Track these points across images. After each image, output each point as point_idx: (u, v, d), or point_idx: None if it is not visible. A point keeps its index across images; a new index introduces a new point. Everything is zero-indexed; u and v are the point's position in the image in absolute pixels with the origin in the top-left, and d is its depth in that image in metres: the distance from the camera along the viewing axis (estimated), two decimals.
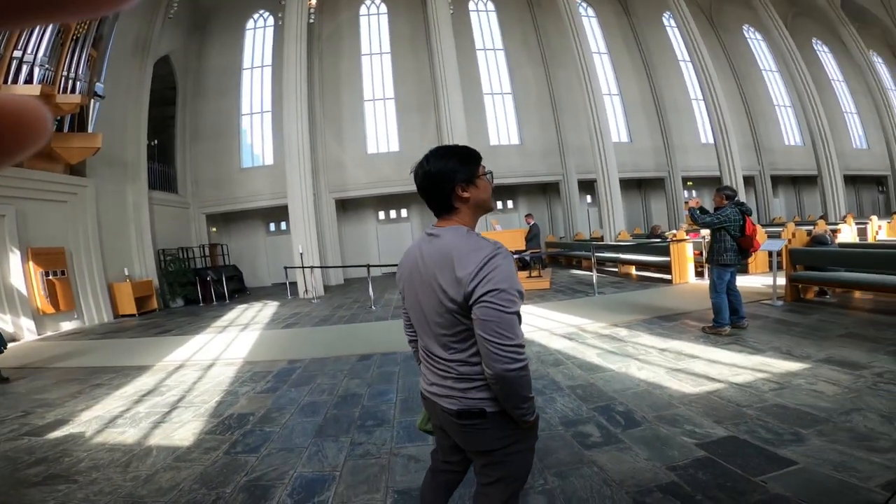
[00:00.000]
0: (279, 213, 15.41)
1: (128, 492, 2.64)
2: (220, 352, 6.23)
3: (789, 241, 6.62)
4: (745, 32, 21.48)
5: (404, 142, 16.26)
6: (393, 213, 17.38)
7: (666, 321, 5.89)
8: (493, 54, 18.07)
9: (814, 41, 22.08)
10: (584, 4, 19.32)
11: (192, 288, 12.69)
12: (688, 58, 16.95)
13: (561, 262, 14.92)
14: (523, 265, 11.00)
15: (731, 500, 2.09)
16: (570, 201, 17.20)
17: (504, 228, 12.60)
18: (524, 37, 18.27)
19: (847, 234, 9.05)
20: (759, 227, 5.29)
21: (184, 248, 14.11)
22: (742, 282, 6.81)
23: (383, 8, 17.45)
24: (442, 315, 1.32)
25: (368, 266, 9.66)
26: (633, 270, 10.84)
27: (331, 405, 3.88)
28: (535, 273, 10.41)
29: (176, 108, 15.77)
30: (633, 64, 19.33)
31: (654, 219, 19.20)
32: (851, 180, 20.55)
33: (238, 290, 14.40)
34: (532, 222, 11.05)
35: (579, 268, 13.22)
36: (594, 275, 8.88)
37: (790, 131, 20.98)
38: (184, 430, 3.55)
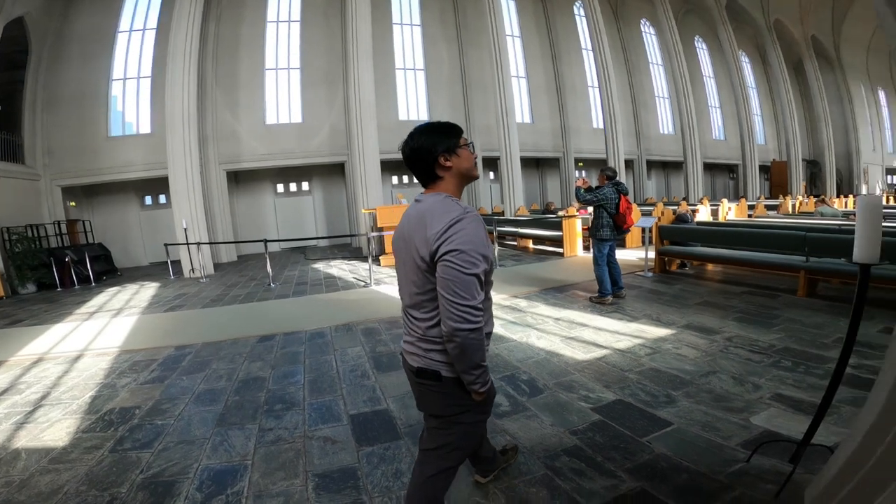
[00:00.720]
0: (157, 185, 13.82)
1: (3, 498, 2.27)
2: (89, 341, 5.42)
3: (659, 218, 7.45)
4: (641, 26, 23.36)
5: (309, 114, 15.30)
6: (293, 186, 16.41)
7: (559, 292, 6.35)
8: (409, 29, 17.65)
9: (696, 38, 24.72)
10: None
11: (47, 270, 10.81)
12: (590, 47, 18.04)
13: None
14: None
15: (625, 460, 2.30)
16: None
17: (410, 202, 12.56)
18: (442, 14, 18.08)
19: (703, 214, 10.50)
20: (634, 205, 5.81)
21: (33, 225, 11.94)
22: (621, 255, 7.55)
23: None
24: (416, 273, 1.40)
25: (266, 241, 9.04)
26: (530, 244, 11.50)
27: (231, 391, 3.60)
28: None
29: (26, 73, 13.13)
30: (542, 49, 20.15)
31: (549, 196, 20.53)
32: (709, 167, 23.71)
33: (107, 271, 12.59)
34: (410, 196, 11.17)
35: None
36: (496, 248, 9.24)
37: (665, 121, 23.53)
38: (55, 430, 3.08)
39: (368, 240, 8.44)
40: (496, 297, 6.25)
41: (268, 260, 8.97)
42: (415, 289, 1.43)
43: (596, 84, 18.71)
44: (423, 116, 17.33)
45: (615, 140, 16.99)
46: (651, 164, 22.99)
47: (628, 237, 9.96)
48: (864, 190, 26.49)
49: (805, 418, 2.44)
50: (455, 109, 17.70)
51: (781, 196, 19.09)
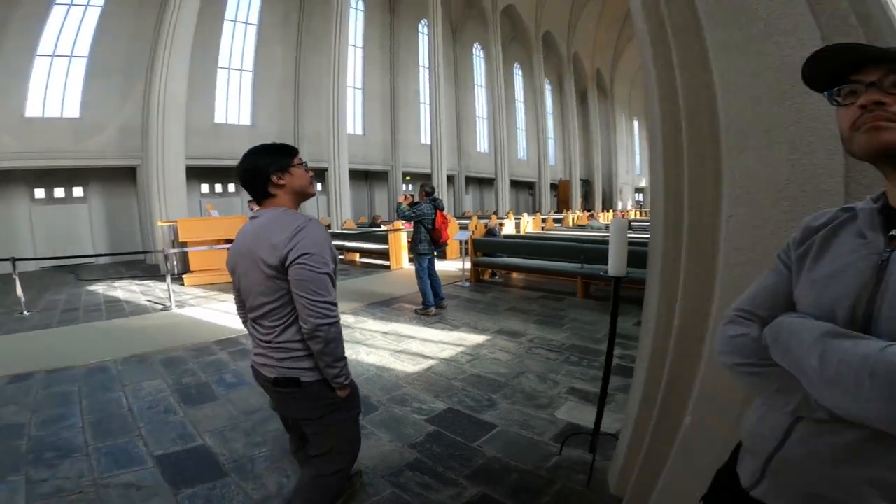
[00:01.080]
0: None
1: None
2: None
3: (473, 232, 8.22)
4: (473, 49, 25.49)
5: (91, 108, 12.38)
6: (60, 192, 13.03)
7: (386, 306, 6.45)
8: (243, 28, 15.95)
9: (515, 65, 28.04)
10: None
11: None
12: (427, 64, 18.90)
13: None
14: None
15: (463, 467, 2.40)
16: None
17: (222, 214, 11.24)
18: (286, 15, 16.85)
19: (509, 227, 11.99)
20: (452, 220, 6.25)
21: None
22: (441, 266, 8.02)
23: None
24: (263, 283, 1.46)
25: (13, 260, 6.98)
26: (357, 258, 11.44)
27: None
28: None
29: None
30: (382, 61, 20.39)
31: (377, 209, 20.81)
32: (515, 184, 27.26)
33: None
34: (256, 208, 10.27)
35: None
36: None
37: (482, 140, 26.18)
38: None
39: (165, 256, 7.24)
40: None
41: (17, 282, 6.90)
42: (264, 299, 1.49)
43: (427, 100, 19.78)
44: (245, 121, 15.85)
45: (440, 156, 18.21)
46: (469, 180, 25.33)
47: (449, 249, 10.70)
48: (619, 206, 33.78)
49: (594, 409, 2.90)
50: (283, 115, 16.69)
51: (565, 210, 23.09)
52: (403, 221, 6.12)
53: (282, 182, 1.53)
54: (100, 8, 12.70)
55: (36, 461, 2.56)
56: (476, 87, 26.07)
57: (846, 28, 1.14)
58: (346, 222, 13.98)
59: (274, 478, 2.39)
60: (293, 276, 1.40)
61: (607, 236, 7.51)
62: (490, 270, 8.23)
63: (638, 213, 25.12)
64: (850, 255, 0.71)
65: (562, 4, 26.54)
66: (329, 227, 14.43)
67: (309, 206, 17.12)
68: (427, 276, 5.84)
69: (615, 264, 1.86)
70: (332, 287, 1.46)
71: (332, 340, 1.44)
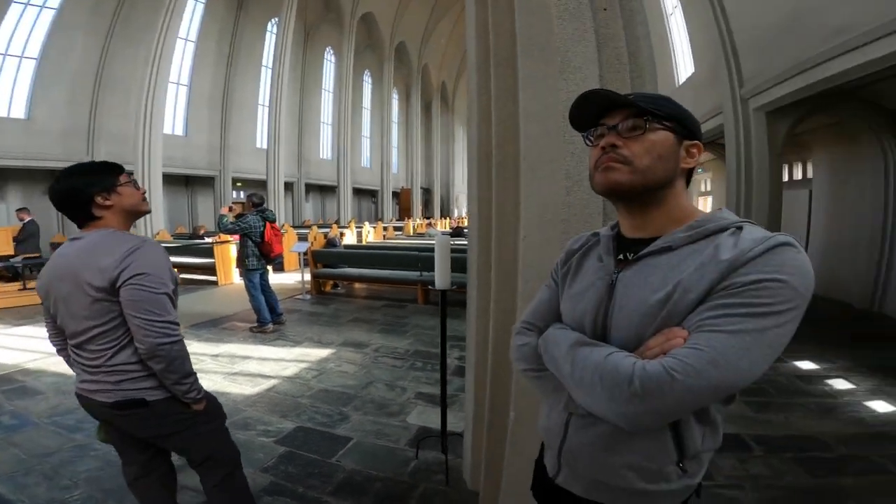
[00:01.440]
0: None
1: None
2: None
3: (313, 243, 7.94)
4: (325, 53, 24.21)
5: None
6: None
7: (215, 325, 5.80)
8: (33, 10, 12.59)
9: (366, 72, 27.51)
10: None
11: None
12: (271, 64, 17.43)
13: None
14: (14, 275, 8.00)
15: (325, 485, 2.33)
16: None
17: None
18: (98, 1, 13.64)
19: (349, 237, 11.86)
20: (282, 233, 5.84)
21: None
22: (279, 279, 7.57)
23: None
24: (89, 307, 1.37)
25: None
26: (176, 273, 9.99)
27: None
28: (32, 284, 7.75)
29: None
30: (218, 59, 18.21)
31: (200, 218, 18.41)
32: (358, 192, 27.07)
33: None
34: (27, 219, 8.22)
35: None
36: None
37: (325, 146, 25.31)
38: None
39: None
40: None
41: None
42: (92, 322, 1.40)
43: (267, 102, 18.37)
44: (19, 114, 12.48)
45: (276, 161, 17.08)
46: (310, 188, 24.25)
47: (287, 261, 10.11)
48: (455, 213, 36.22)
49: (435, 409, 3.04)
50: (74, 109, 13.61)
51: (406, 218, 23.88)
52: (227, 234, 5.57)
53: (108, 203, 1.45)
54: None
55: None
56: (323, 91, 25.20)
57: (619, 66, 1.37)
58: (158, 233, 12.08)
59: None
60: (126, 297, 1.35)
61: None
62: (332, 282, 8.04)
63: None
64: (592, 275, 0.83)
65: (419, 16, 27.29)
66: None
67: None
68: (260, 291, 5.43)
69: (441, 278, 2.01)
70: (172, 307, 1.43)
71: (175, 359, 1.41)
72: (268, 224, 5.39)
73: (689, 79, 8.95)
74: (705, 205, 12.71)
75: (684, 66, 9.51)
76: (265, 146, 18.46)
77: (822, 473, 2.42)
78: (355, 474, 2.48)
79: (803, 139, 7.27)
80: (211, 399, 1.63)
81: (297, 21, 19.45)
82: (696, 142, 0.79)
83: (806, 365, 4.13)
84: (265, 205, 5.60)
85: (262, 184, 18.08)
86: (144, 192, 1.58)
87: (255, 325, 5.47)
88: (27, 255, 7.92)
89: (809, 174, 7.73)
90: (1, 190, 13.10)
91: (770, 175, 6.16)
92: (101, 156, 13.87)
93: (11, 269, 7.82)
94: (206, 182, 18.70)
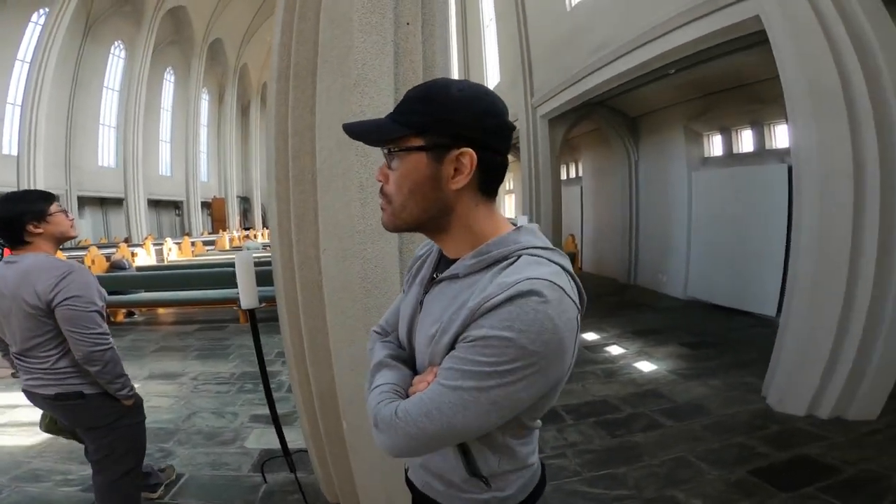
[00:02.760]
0: None
1: None
2: None
3: (91, 266, 6.56)
4: (113, 47, 19.72)
5: None
6: None
7: None
8: None
9: (167, 69, 23.30)
10: None
11: None
12: (30, 58, 14.48)
13: None
14: None
15: None
16: None
17: None
18: None
19: (144, 257, 9.94)
20: None
21: None
22: None
23: None
24: (29, 321, 1.60)
25: None
26: None
27: None
28: None
29: None
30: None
31: None
32: (155, 203, 23.12)
33: None
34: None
35: None
36: None
37: (107, 153, 20.87)
38: None
39: None
40: None
41: None
42: (30, 333, 1.62)
43: (20, 102, 14.93)
44: None
45: (33, 170, 13.84)
46: (86, 201, 19.76)
47: None
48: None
49: (269, 429, 2.81)
50: None
51: (221, 231, 21.43)
52: None
53: (39, 231, 1.62)
54: None
55: None
56: (105, 89, 20.61)
57: (414, 79, 1.42)
58: None
59: None
60: (61, 316, 1.57)
61: (264, 257, 7.41)
62: (125, 310, 6.72)
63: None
64: (416, 288, 0.79)
65: (243, 14, 24.44)
66: None
67: None
68: None
69: (246, 297, 1.91)
70: (103, 321, 1.67)
71: (108, 362, 1.66)
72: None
73: (496, 86, 9.90)
74: (510, 203, 13.93)
75: (494, 74, 10.63)
76: (15, 152, 14.64)
77: (620, 433, 2.91)
78: None
79: (574, 142, 8.89)
80: (138, 399, 1.89)
81: (78, 11, 16.09)
82: (463, 149, 0.63)
83: (590, 336, 5.02)
84: None
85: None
86: (73, 220, 1.77)
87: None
88: None
89: (581, 173, 9.51)
90: None
91: (552, 174, 7.39)
92: None
93: None
94: None
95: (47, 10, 15.62)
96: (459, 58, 12.77)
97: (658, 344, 4.67)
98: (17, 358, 1.76)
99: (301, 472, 2.45)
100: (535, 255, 0.64)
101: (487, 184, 0.68)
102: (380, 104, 1.38)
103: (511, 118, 0.75)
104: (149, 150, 21.43)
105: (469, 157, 0.63)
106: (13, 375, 2.00)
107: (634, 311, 6.21)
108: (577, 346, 0.63)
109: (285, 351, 1.99)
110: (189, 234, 19.47)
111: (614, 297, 7.14)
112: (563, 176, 9.25)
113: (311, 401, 1.87)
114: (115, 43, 20.83)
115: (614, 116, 7.35)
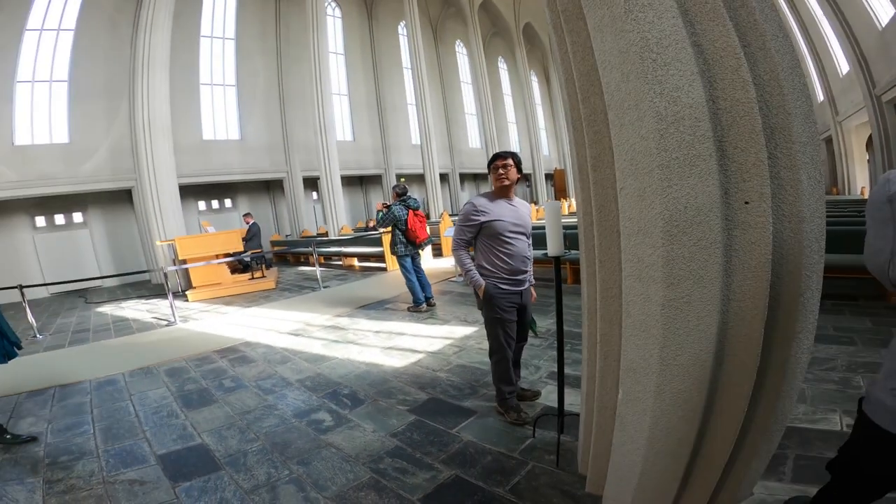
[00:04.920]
0: None
1: None
2: None
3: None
4: (456, 47, 25.46)
5: (80, 132, 12.50)
6: (61, 219, 13.25)
7: (381, 305, 6.57)
8: (220, 43, 16.09)
9: (499, 59, 27.94)
10: (334, 4, 19.51)
11: None
12: (410, 65, 18.96)
13: (289, 260, 14.60)
14: (244, 267, 10.30)
15: (440, 452, 2.54)
16: (296, 198, 17.02)
17: (218, 230, 11.42)
18: (263, 26, 16.98)
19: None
20: (426, 218, 6.03)
21: None
22: (437, 264, 8.10)
23: None
24: None
25: (21, 287, 7.22)
26: (355, 262, 11.58)
27: None
28: (258, 274, 9.88)
29: None
30: (364, 66, 20.52)
31: (373, 213, 20.94)
32: None
33: None
34: (251, 222, 10.48)
35: (308, 264, 13.24)
36: (318, 270, 9.07)
37: (473, 136, 26.16)
38: None
39: (165, 275, 7.42)
40: (319, 318, 6.19)
41: (27, 308, 7.14)
42: None
43: (413, 101, 19.84)
44: (234, 135, 16.02)
45: (430, 155, 18.33)
46: (464, 177, 25.36)
47: (444, 246, 10.77)
48: None
49: (571, 391, 2.98)
50: (271, 126, 16.83)
51: (563, 199, 23.08)
52: (382, 227, 6.17)
53: None
54: (72, 31, 12.72)
55: (51, 465, 2.80)
56: (462, 83, 25.93)
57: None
58: (342, 228, 14.12)
59: (264, 469, 2.56)
60: None
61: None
62: None
63: None
64: None
65: None
66: (326, 233, 14.59)
67: (306, 215, 17.32)
68: (413, 275, 5.92)
69: (553, 245, 1.94)
70: None
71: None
72: (410, 211, 5.77)
73: None
74: None
75: None
76: (419, 142, 19.84)
77: None
78: (470, 446, 2.58)
79: None
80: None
81: (423, 20, 20.39)
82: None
83: None
84: (408, 194, 6.01)
85: (421, 177, 19.58)
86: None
87: (412, 305, 6.02)
88: (254, 251, 10.10)
89: None
90: (233, 199, 16.97)
91: None
92: (295, 165, 16.84)
93: (242, 262, 10.09)
94: (374, 180, 21.14)
95: (405, 22, 19.73)
96: None
97: None
98: None
99: (569, 436, 2.44)
100: None
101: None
102: (663, 27, 1.15)
103: None
104: (500, 132, 25.14)
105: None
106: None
107: None
108: None
109: (582, 304, 1.95)
110: (535, 203, 22.11)
111: None
112: None
113: (594, 362, 1.78)
114: (457, 42, 25.31)
115: None
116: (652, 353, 1.36)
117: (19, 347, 3.40)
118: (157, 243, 10.54)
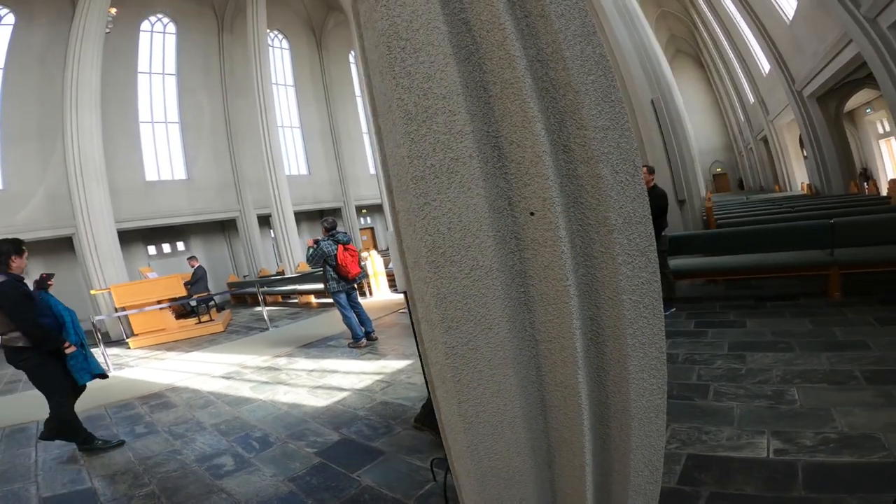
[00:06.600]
0: None
1: None
2: None
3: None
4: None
5: (12, 177, 11.90)
6: None
7: (323, 343, 6.35)
8: (160, 79, 15.67)
9: None
10: (281, 36, 19.34)
11: None
12: (362, 93, 18.74)
13: (248, 301, 14.07)
14: (191, 311, 9.92)
15: (333, 499, 2.41)
16: (251, 237, 16.55)
17: (167, 274, 10.96)
18: (205, 60, 16.63)
19: None
20: (356, 253, 5.84)
21: None
22: (392, 297, 8.01)
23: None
24: None
25: None
26: (312, 299, 11.25)
27: None
28: (205, 318, 9.51)
29: None
30: (316, 97, 20.23)
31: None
32: None
33: None
34: (196, 265, 10.11)
35: (266, 304, 12.79)
36: (264, 310, 8.81)
37: None
38: None
39: (94, 324, 7.08)
40: (256, 360, 5.97)
41: None
42: None
43: (368, 130, 19.64)
44: (180, 175, 15.58)
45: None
46: None
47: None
48: None
49: None
50: (219, 163, 16.39)
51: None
52: (311, 265, 6.03)
53: None
54: (0, 70, 12.12)
55: None
56: None
57: None
58: (299, 265, 13.72)
59: None
60: None
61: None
62: None
63: None
64: None
65: None
66: (282, 272, 14.21)
67: (264, 254, 16.86)
68: (350, 310, 5.75)
69: (401, 279, 1.86)
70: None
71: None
72: (340, 246, 5.59)
73: None
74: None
75: None
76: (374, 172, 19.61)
77: None
78: (366, 491, 2.47)
79: None
80: None
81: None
82: None
83: None
84: (337, 228, 5.86)
85: (379, 207, 19.47)
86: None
87: (351, 340, 5.85)
88: (198, 295, 9.74)
89: None
90: (185, 241, 16.43)
91: None
92: (248, 203, 16.42)
93: (188, 306, 9.71)
94: (336, 213, 20.82)
95: (353, 51, 19.96)
96: None
97: None
98: None
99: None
100: None
101: None
102: (416, 6, 1.06)
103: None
104: None
105: None
106: None
107: None
108: None
109: None
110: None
111: None
112: None
113: (439, 410, 1.57)
114: None
115: None
116: (452, 408, 1.17)
117: None
118: (92, 293, 10.05)
